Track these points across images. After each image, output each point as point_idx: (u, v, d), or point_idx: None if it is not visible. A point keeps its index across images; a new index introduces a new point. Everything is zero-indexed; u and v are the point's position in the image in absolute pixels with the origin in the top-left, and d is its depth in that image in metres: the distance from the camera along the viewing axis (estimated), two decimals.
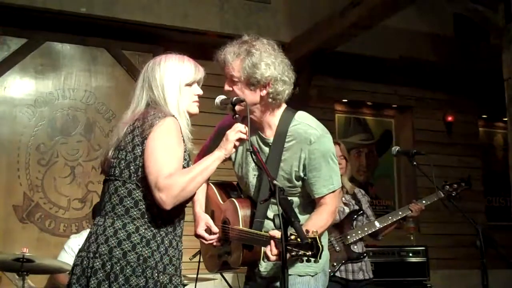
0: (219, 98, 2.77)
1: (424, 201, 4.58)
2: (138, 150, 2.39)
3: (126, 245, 2.33)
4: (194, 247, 5.22)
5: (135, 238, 2.35)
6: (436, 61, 7.42)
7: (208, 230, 2.82)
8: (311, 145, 2.69)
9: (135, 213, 2.38)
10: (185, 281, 4.71)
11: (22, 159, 5.77)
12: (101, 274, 2.30)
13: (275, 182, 2.33)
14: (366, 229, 4.42)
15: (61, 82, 6.04)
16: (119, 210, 2.39)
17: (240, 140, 2.53)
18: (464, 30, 7.55)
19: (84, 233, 5.14)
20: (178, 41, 6.44)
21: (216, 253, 2.98)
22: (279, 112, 2.79)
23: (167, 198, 2.29)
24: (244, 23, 6.46)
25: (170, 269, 2.41)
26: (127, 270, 2.30)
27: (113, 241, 2.34)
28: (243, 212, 2.79)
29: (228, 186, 3.14)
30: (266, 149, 2.78)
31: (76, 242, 5.02)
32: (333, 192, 2.74)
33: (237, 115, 2.64)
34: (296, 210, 2.62)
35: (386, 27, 6.22)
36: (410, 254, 5.65)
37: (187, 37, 6.39)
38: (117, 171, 2.43)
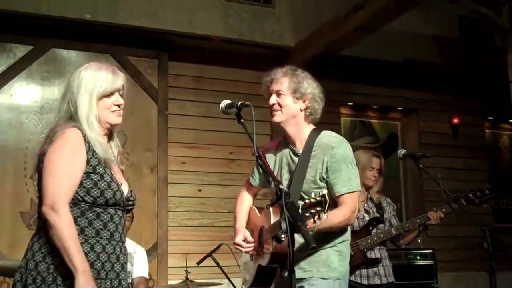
0: (224, 102, 2.84)
1: (444, 210, 4.55)
2: (41, 167, 2.54)
3: (38, 256, 2.42)
4: (201, 251, 5.26)
5: (46, 248, 2.42)
6: (441, 64, 7.41)
7: (245, 240, 3.16)
8: (333, 150, 3.06)
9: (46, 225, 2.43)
10: (193, 287, 4.71)
11: (29, 166, 5.78)
12: (19, 286, 2.42)
13: (281, 186, 2.38)
14: (382, 236, 4.42)
15: None
16: (40, 224, 2.51)
17: None
18: (469, 32, 7.54)
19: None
20: (183, 47, 6.48)
21: (254, 266, 3.26)
22: (308, 130, 3.20)
23: (52, 220, 2.37)
24: (249, 28, 6.48)
25: (92, 274, 2.38)
26: (38, 280, 2.38)
27: (29, 254, 2.45)
28: (276, 217, 3.02)
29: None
30: (296, 159, 3.16)
31: None
32: (352, 192, 3.03)
33: (242, 120, 2.66)
34: None
35: (391, 30, 6.21)
36: (418, 257, 5.63)
37: (192, 43, 6.42)
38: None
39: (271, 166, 3.24)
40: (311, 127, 3.22)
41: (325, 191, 2.50)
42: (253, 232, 3.25)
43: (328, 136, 3.17)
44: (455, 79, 7.75)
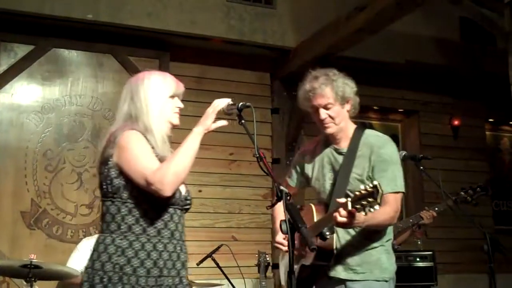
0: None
1: (436, 208, 4.55)
2: (106, 170, 2.60)
3: (104, 257, 2.54)
4: (201, 252, 5.26)
5: (111, 249, 2.54)
6: (442, 65, 7.41)
7: (285, 239, 3.10)
8: (380, 150, 3.08)
9: (112, 226, 2.58)
10: (194, 287, 4.71)
11: (29, 166, 5.79)
12: (87, 286, 2.54)
13: (281, 187, 2.40)
14: None
15: (68, 88, 6.06)
16: (103, 226, 2.63)
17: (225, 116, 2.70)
18: (470, 34, 7.54)
19: (97, 237, 5.15)
20: (184, 47, 6.48)
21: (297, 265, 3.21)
22: (351, 128, 3.21)
23: (162, 187, 2.43)
24: (250, 28, 6.48)
25: (154, 272, 2.53)
26: (105, 280, 2.49)
27: (95, 255, 2.59)
28: (319, 215, 3.09)
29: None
30: (340, 158, 3.17)
31: (88, 243, 5.02)
32: (396, 193, 3.02)
33: (243, 121, 2.66)
34: None
35: (392, 31, 6.21)
36: (417, 259, 5.63)
37: (193, 43, 6.43)
38: (101, 192, 2.67)
39: (311, 166, 3.29)
40: (353, 125, 3.24)
41: (375, 182, 2.51)
42: None
43: (374, 136, 3.18)
44: (456, 81, 7.75)
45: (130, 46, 6.27)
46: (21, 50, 5.91)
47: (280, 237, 3.09)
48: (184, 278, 2.65)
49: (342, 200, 2.65)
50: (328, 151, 3.23)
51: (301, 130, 6.84)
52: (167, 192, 2.44)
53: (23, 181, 5.75)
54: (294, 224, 2.28)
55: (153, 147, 2.59)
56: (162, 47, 6.38)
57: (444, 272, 6.57)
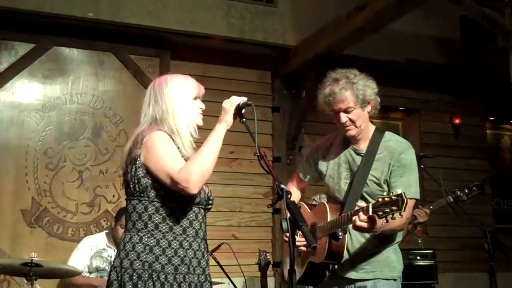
0: (225, 101, 2.82)
1: (431, 207, 4.54)
2: (133, 169, 2.65)
3: (132, 255, 2.58)
4: None
5: (139, 247, 2.59)
6: (443, 64, 7.41)
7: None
8: (400, 155, 3.06)
9: (139, 225, 2.63)
10: None
11: (30, 164, 5.79)
12: (116, 285, 2.58)
13: (282, 186, 2.40)
14: None
15: (69, 86, 6.07)
16: (129, 225, 2.67)
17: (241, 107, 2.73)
18: (471, 32, 7.53)
19: (98, 236, 5.17)
20: (184, 45, 6.48)
21: (302, 261, 3.24)
22: (371, 129, 3.19)
23: (189, 185, 2.49)
24: (251, 27, 6.48)
25: (182, 269, 2.59)
26: (134, 277, 2.54)
27: (123, 254, 2.61)
28: (333, 214, 3.08)
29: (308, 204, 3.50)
30: (358, 159, 3.14)
31: (89, 243, 5.04)
32: (409, 199, 2.84)
33: (244, 119, 2.66)
34: None
35: (393, 30, 6.21)
36: (418, 257, 5.64)
37: (194, 42, 6.43)
38: (127, 191, 2.72)
39: (326, 162, 3.26)
40: (372, 126, 3.22)
41: (399, 191, 2.54)
42: None
43: (394, 140, 3.16)
44: (457, 80, 7.75)
45: (131, 44, 6.28)
46: (22, 48, 5.91)
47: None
48: (209, 277, 2.72)
49: (363, 203, 2.69)
50: (347, 151, 3.20)
51: (302, 128, 6.84)
52: (193, 190, 2.51)
53: (23, 180, 5.75)
54: (295, 223, 2.30)
55: (178, 148, 2.66)
56: (162, 46, 6.38)
57: (444, 270, 6.58)
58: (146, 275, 2.53)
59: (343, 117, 3.08)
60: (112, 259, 4.96)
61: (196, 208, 2.68)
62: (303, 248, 3.07)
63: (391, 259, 3.10)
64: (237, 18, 6.45)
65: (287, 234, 3.00)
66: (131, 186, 2.65)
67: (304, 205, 3.40)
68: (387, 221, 2.58)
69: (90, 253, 4.97)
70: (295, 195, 3.41)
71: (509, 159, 8.40)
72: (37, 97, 5.94)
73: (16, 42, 5.90)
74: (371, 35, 5.92)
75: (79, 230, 5.86)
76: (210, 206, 2.80)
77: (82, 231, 5.86)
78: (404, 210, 2.53)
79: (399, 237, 3.19)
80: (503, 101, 5.56)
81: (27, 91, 5.92)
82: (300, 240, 2.99)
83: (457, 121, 7.82)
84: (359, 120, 3.08)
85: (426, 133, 7.74)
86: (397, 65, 7.21)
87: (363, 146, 3.15)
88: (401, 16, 5.57)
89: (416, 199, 3.06)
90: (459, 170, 7.42)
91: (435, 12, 7.06)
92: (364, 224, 2.70)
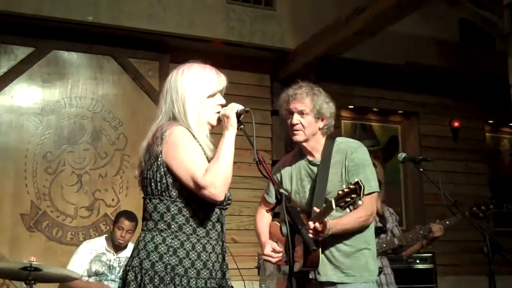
0: (224, 109, 2.82)
1: (447, 222, 4.56)
2: (154, 167, 2.51)
3: (154, 256, 2.45)
4: None
5: (162, 248, 2.46)
6: (442, 67, 7.42)
7: (273, 251, 3.25)
8: (352, 154, 3.21)
9: (162, 225, 2.50)
10: None
11: (29, 168, 5.79)
12: (134, 285, 2.44)
13: (281, 191, 2.40)
14: (384, 245, 4.40)
15: (68, 90, 6.07)
16: (150, 224, 2.53)
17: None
18: (470, 35, 7.54)
19: (97, 240, 5.16)
20: (184, 49, 6.47)
21: (283, 276, 3.35)
22: (323, 141, 3.32)
23: (216, 191, 2.41)
24: (250, 30, 6.48)
25: (204, 273, 2.49)
26: (156, 280, 2.41)
27: (143, 254, 2.47)
28: None
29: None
30: (315, 169, 3.28)
31: (88, 247, 5.04)
32: (371, 193, 3.12)
33: (242, 126, 2.66)
34: None
35: (392, 33, 6.22)
36: (418, 261, 5.63)
37: (193, 45, 6.42)
38: (146, 190, 2.58)
39: (289, 180, 3.38)
40: (324, 137, 3.33)
41: (356, 179, 2.67)
42: (278, 244, 3.31)
43: (345, 142, 3.31)
44: (455, 82, 7.75)
45: (130, 48, 6.28)
46: (21, 52, 5.92)
47: (268, 250, 3.24)
48: (229, 280, 2.63)
49: (316, 209, 2.81)
50: (303, 163, 3.34)
51: None
52: (220, 196, 2.44)
53: (23, 183, 5.75)
54: (294, 226, 2.29)
55: (200, 145, 2.55)
56: (162, 49, 6.39)
57: (444, 274, 6.57)
58: (168, 279, 2.41)
59: (296, 119, 3.22)
60: (111, 263, 4.96)
61: (217, 210, 2.58)
62: (281, 263, 3.21)
63: (369, 263, 3.20)
64: (236, 22, 6.45)
65: (265, 251, 3.22)
66: (152, 184, 2.52)
67: (276, 223, 3.44)
68: (350, 210, 2.69)
69: (90, 257, 4.96)
70: (266, 217, 3.50)
71: (508, 162, 8.40)
72: (36, 101, 5.94)
73: (15, 46, 5.92)
74: (370, 38, 5.93)
75: (78, 234, 5.86)
76: (227, 206, 2.69)
77: (81, 235, 5.85)
78: (363, 196, 2.63)
79: (374, 234, 3.33)
80: (502, 104, 5.54)
81: (26, 95, 5.92)
82: (277, 255, 3.19)
83: (456, 124, 7.83)
84: (309, 129, 3.22)
85: (425, 136, 7.74)
86: (397, 68, 7.22)
87: (317, 156, 3.29)
88: (400, 20, 5.58)
89: (377, 192, 3.23)
90: (459, 173, 7.43)
91: (434, 15, 7.06)
92: (316, 226, 2.88)
